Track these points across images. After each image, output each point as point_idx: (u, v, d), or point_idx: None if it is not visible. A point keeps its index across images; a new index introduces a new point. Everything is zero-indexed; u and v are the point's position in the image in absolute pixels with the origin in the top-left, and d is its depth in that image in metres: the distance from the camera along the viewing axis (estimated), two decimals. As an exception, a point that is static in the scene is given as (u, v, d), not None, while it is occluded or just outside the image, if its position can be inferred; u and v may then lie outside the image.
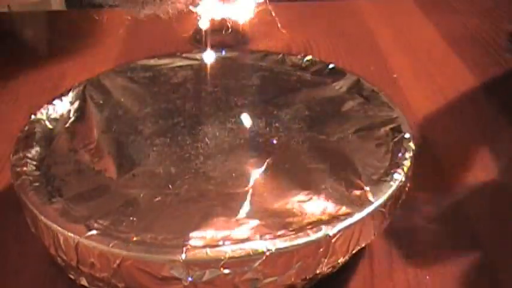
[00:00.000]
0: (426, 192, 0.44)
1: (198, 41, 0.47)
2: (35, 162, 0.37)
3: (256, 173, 0.36)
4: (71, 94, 0.45)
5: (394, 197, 0.34)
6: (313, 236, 0.30)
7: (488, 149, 0.50)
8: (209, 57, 0.51)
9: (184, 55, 0.51)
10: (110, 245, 0.30)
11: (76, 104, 0.44)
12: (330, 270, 0.32)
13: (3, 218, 0.42)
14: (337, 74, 0.48)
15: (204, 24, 0.39)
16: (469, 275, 0.37)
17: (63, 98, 0.44)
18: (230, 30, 0.48)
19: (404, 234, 0.40)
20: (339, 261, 0.32)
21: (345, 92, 0.46)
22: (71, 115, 0.43)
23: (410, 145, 0.38)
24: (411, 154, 0.37)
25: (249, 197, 0.35)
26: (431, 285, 0.37)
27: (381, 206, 0.33)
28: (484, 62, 0.65)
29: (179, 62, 0.50)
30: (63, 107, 0.44)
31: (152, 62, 0.50)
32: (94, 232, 0.31)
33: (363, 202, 0.33)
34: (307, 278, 0.31)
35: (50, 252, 0.33)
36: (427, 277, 0.37)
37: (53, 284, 0.37)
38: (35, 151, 0.38)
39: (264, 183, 0.36)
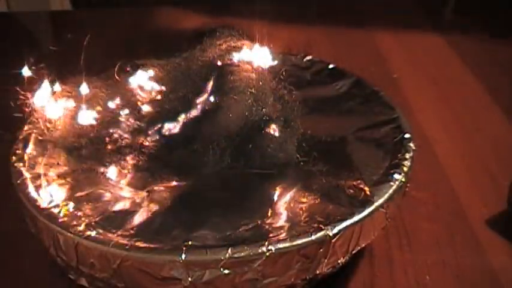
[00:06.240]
0: (426, 192, 0.44)
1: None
2: (34, 162, 0.37)
3: (256, 174, 0.36)
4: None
5: (394, 197, 0.34)
6: (313, 236, 0.30)
7: (488, 149, 0.50)
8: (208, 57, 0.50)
9: (184, 55, 0.51)
10: (110, 245, 0.30)
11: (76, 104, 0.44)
12: (330, 270, 0.32)
13: (3, 218, 0.42)
14: (337, 74, 0.48)
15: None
16: (469, 275, 0.37)
17: (63, 98, 0.44)
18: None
19: (404, 234, 0.40)
20: (339, 261, 0.32)
21: (345, 92, 0.46)
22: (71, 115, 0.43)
23: (411, 145, 0.38)
24: (411, 154, 0.37)
25: (249, 198, 0.35)
26: (431, 285, 0.37)
27: (381, 206, 0.33)
28: (484, 62, 0.65)
29: (179, 61, 0.50)
30: (62, 107, 0.44)
31: (152, 61, 0.50)
32: (94, 232, 0.31)
33: (363, 202, 0.33)
34: (307, 278, 0.31)
35: (50, 253, 0.33)
36: (427, 277, 0.37)
37: (53, 284, 0.36)
38: (34, 151, 0.38)
39: (264, 184, 0.36)
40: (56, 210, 0.33)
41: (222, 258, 0.29)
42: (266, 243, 0.29)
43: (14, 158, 0.37)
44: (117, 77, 0.48)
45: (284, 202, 0.34)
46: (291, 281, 0.31)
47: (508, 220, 0.41)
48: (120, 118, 0.43)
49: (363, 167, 0.37)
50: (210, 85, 0.44)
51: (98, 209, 0.34)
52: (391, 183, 0.34)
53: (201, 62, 0.45)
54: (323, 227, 0.31)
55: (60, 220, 0.32)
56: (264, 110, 0.39)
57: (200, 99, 0.43)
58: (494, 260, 0.38)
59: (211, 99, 0.43)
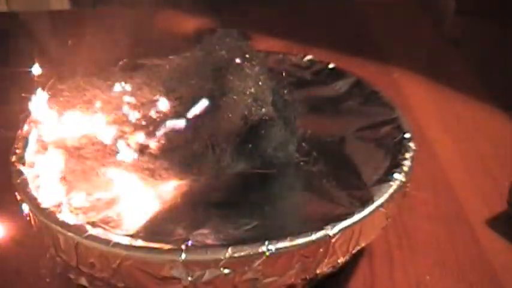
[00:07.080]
0: (426, 192, 0.44)
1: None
2: (34, 162, 0.37)
3: (256, 174, 0.36)
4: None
5: (394, 197, 0.34)
6: (313, 236, 0.30)
7: (488, 149, 0.50)
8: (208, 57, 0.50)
9: (183, 55, 0.51)
10: (110, 245, 0.30)
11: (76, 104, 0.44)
12: (330, 270, 0.32)
13: (3, 217, 0.42)
14: (337, 74, 0.48)
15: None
16: (469, 275, 0.37)
17: (63, 98, 0.44)
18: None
19: (404, 234, 0.40)
20: (339, 261, 0.32)
21: (345, 92, 0.46)
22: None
23: (410, 145, 0.38)
24: (411, 154, 0.37)
25: (249, 198, 0.35)
26: (431, 285, 0.37)
27: (381, 206, 0.33)
28: (485, 61, 0.65)
29: (179, 62, 0.50)
30: (62, 107, 0.44)
31: (152, 61, 0.50)
32: (94, 232, 0.31)
33: (363, 202, 0.33)
34: (307, 278, 0.31)
35: (50, 253, 0.33)
36: (427, 277, 0.37)
37: (53, 284, 0.36)
38: (35, 151, 0.38)
39: (264, 184, 0.36)
40: (56, 210, 0.33)
41: (222, 258, 0.29)
42: (266, 243, 0.29)
43: (14, 158, 0.37)
44: (117, 77, 0.48)
45: (284, 202, 0.34)
46: (291, 280, 0.31)
47: (508, 220, 0.41)
48: (120, 118, 0.43)
49: (363, 167, 0.37)
50: (210, 85, 0.44)
51: (98, 209, 0.34)
52: (391, 183, 0.34)
53: (201, 62, 0.45)
54: (323, 227, 0.31)
55: (60, 220, 0.32)
56: (264, 110, 0.39)
57: (200, 99, 0.43)
58: (494, 260, 0.38)
59: (211, 99, 0.43)
